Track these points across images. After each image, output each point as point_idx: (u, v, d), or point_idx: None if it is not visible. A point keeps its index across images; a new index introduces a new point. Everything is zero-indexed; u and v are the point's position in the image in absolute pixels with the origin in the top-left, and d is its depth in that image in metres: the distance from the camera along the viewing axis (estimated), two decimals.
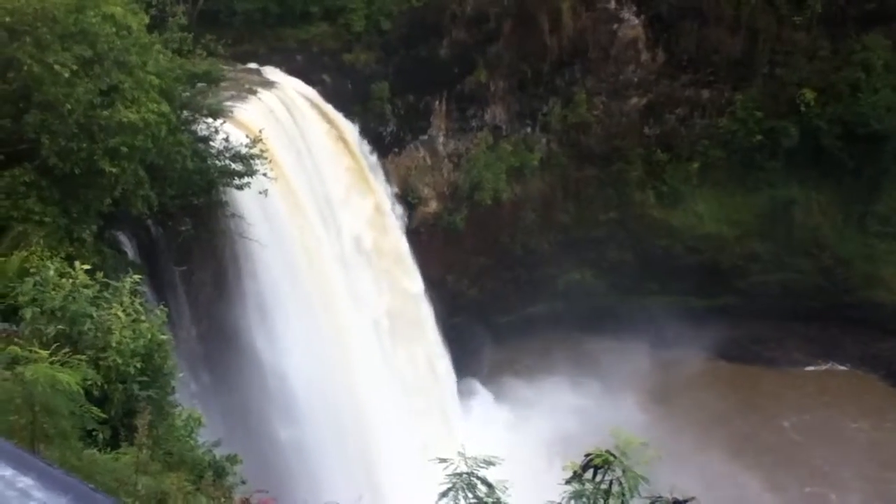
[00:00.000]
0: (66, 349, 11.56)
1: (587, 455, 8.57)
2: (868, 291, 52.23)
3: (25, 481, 5.06)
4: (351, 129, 40.09)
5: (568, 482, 8.54)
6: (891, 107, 50.53)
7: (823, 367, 51.73)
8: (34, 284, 13.67)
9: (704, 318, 51.58)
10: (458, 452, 8.97)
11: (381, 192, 41.69)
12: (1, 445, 5.77)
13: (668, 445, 35.72)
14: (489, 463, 9.01)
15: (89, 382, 11.38)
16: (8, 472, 5.12)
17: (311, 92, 37.72)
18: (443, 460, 9.09)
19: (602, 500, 8.36)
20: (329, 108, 38.14)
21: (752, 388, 49.92)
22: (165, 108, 21.45)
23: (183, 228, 25.31)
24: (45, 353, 10.44)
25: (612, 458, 8.39)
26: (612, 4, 50.10)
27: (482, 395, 47.60)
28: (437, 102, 46.81)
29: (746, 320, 52.34)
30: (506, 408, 46.89)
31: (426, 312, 43.07)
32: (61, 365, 10.32)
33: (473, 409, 46.06)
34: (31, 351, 10.60)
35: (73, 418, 10.11)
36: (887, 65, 51.04)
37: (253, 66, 37.93)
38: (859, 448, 45.64)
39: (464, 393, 46.17)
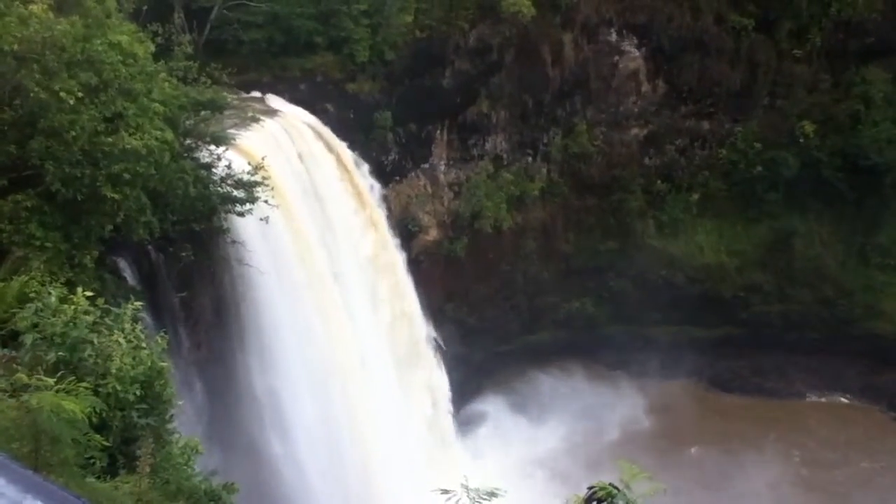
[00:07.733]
0: (70, 377, 11.48)
1: (590, 488, 8.49)
2: (869, 323, 52.12)
3: None
4: (352, 158, 40.19)
5: None
6: (891, 139, 50.77)
7: (824, 399, 51.44)
8: (35, 310, 13.62)
9: (705, 349, 51.42)
10: (462, 484, 8.87)
11: (382, 220, 41.72)
12: (10, 467, 5.77)
13: (670, 478, 35.37)
14: (492, 495, 8.90)
15: (89, 410, 11.30)
16: (14, 492, 5.13)
17: (313, 120, 37.86)
18: (445, 491, 8.98)
19: None
20: (332, 137, 38.26)
21: (754, 419, 49.52)
22: (169, 135, 21.53)
23: (184, 255, 25.27)
24: (51, 380, 10.36)
25: (615, 491, 8.31)
26: (614, 37, 50.50)
27: (481, 424, 47.25)
28: (438, 131, 47.02)
29: (747, 351, 52.18)
30: (504, 437, 46.50)
31: (424, 338, 42.93)
32: (66, 393, 10.25)
33: (472, 437, 45.72)
34: (37, 379, 10.53)
35: (75, 446, 10.02)
36: (887, 97, 51.36)
37: (256, 94, 38.15)
38: (873, 485, 45.13)
39: (462, 422, 45.85)
